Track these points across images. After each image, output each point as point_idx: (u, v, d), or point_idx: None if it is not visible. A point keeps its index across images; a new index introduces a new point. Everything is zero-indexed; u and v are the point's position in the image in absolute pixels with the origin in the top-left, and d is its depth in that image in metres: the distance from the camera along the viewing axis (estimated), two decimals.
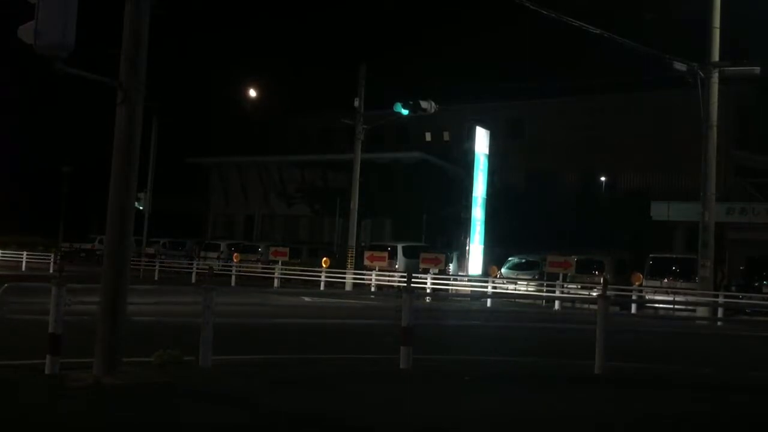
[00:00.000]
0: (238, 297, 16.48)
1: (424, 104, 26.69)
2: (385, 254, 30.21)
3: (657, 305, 23.23)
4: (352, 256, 30.01)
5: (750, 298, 22.83)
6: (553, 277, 25.99)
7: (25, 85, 46.71)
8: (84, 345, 8.31)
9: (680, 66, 22.01)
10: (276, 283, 28.83)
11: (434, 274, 27.10)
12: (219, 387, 8.16)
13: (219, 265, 32.08)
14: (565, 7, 19.85)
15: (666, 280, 25.52)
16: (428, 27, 57.93)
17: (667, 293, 24.00)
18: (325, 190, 45.16)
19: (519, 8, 17.96)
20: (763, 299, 22.78)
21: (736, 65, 22.59)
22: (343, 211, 33.59)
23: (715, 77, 22.03)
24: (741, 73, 22.70)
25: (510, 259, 30.47)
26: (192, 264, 33.29)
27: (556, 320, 19.62)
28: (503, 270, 28.84)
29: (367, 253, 30.25)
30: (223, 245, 41.01)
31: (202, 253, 39.52)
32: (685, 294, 23.22)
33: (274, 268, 29.84)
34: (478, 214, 29.24)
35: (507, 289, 26.20)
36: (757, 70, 22.11)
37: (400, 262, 30.95)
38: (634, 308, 21.60)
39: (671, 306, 22.93)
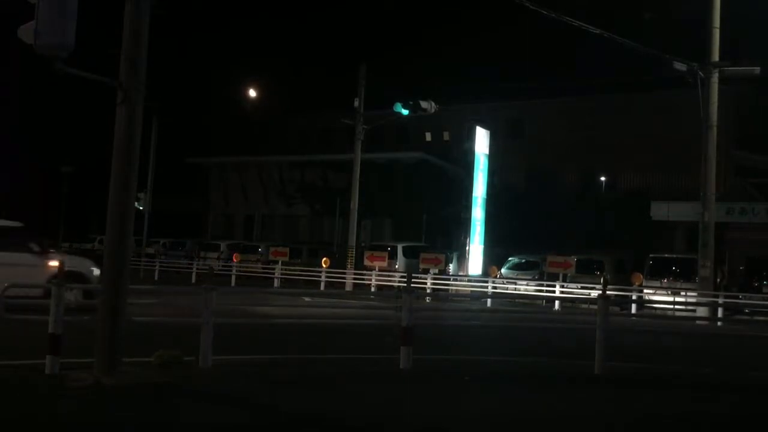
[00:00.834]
0: (238, 297, 16.48)
1: (424, 104, 26.69)
2: (385, 254, 30.20)
3: (657, 305, 23.24)
4: (352, 256, 30.01)
5: (750, 298, 22.82)
6: (553, 277, 26.00)
7: (25, 85, 46.69)
8: (84, 345, 8.31)
9: (680, 66, 22.01)
10: (276, 283, 28.84)
11: (434, 274, 27.10)
12: (219, 387, 8.16)
13: (219, 265, 32.09)
14: (565, 7, 19.86)
15: (666, 280, 25.53)
16: (428, 27, 57.94)
17: (667, 293, 24.01)
18: (325, 190, 45.17)
19: (519, 8, 17.99)
20: (763, 299, 22.79)
21: (736, 65, 22.60)
22: (343, 211, 33.58)
23: (715, 77, 22.03)
24: (741, 73, 22.71)
25: (510, 259, 30.48)
26: (192, 264, 33.29)
27: (556, 320, 19.62)
28: (503, 270, 28.85)
29: (367, 253, 30.25)
30: (223, 245, 41.01)
31: (202, 253, 39.53)
32: (685, 294, 23.23)
33: (274, 268, 29.84)
34: (478, 214, 29.25)
35: (507, 289, 26.21)
36: (757, 70, 22.11)
37: (400, 262, 30.95)
38: (634, 308, 21.61)
39: (671, 306, 22.94)
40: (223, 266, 32.02)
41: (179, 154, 51.56)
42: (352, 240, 30.59)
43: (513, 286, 26.54)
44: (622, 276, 25.80)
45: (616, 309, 19.71)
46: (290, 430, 6.79)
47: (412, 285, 10.05)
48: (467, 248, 28.96)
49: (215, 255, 38.79)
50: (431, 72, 48.34)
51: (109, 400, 7.40)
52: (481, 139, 30.00)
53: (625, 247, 31.09)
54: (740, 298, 22.57)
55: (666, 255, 27.17)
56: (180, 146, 50.46)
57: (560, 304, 23.00)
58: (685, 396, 8.96)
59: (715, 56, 21.95)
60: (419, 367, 9.40)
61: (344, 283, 28.16)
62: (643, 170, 40.90)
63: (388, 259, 30.12)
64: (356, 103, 30.04)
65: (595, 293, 19.63)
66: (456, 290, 27.06)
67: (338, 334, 12.41)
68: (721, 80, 22.31)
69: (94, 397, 7.46)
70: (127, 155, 8.42)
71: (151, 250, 38.38)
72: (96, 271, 15.24)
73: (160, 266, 32.37)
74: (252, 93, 39.22)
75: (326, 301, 19.99)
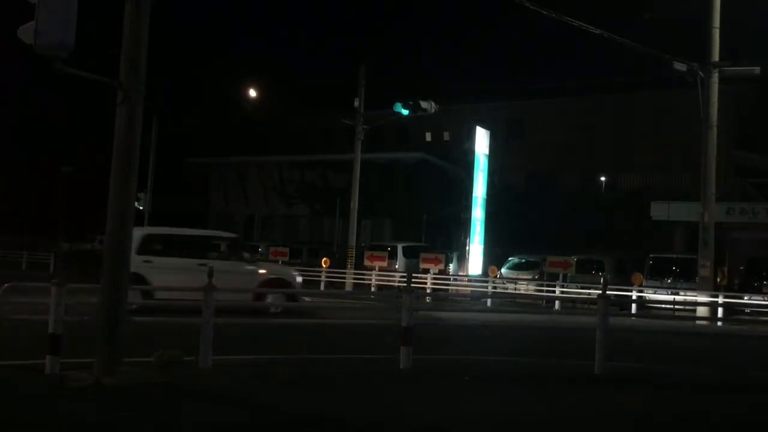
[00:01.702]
0: (239, 297, 16.45)
1: (424, 104, 26.68)
2: (385, 254, 30.19)
3: (657, 305, 23.23)
4: (352, 257, 30.00)
5: (750, 298, 22.81)
6: (553, 277, 25.99)
7: (26, 85, 46.68)
8: (84, 345, 8.31)
9: (680, 66, 22.00)
10: None
11: (434, 274, 27.09)
12: (219, 387, 8.16)
13: None
14: (565, 7, 19.86)
15: (666, 280, 25.52)
16: (428, 27, 57.97)
17: (667, 293, 24.00)
18: (325, 190, 45.15)
19: (519, 8, 17.98)
20: (763, 299, 22.78)
21: (736, 65, 22.59)
22: (343, 211, 33.57)
23: (715, 77, 22.02)
24: (741, 73, 22.70)
25: (510, 259, 30.48)
26: None
27: (556, 320, 19.61)
28: (503, 270, 28.85)
29: (367, 253, 30.24)
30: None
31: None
32: (685, 294, 23.22)
33: None
34: (478, 214, 29.24)
35: (507, 289, 26.21)
36: (757, 70, 22.10)
37: (400, 262, 30.94)
38: (634, 308, 21.60)
39: (671, 306, 22.93)
40: None
41: (179, 154, 51.57)
42: (352, 240, 30.59)
43: (513, 286, 26.53)
44: (622, 276, 25.79)
45: (616, 309, 19.70)
46: (290, 430, 6.79)
47: (412, 285, 10.06)
48: (467, 248, 28.95)
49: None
50: (431, 72, 48.40)
51: (109, 400, 7.40)
52: (481, 139, 29.99)
53: (625, 247, 31.09)
54: (746, 299, 22.51)
55: (666, 255, 27.16)
56: (180, 146, 50.47)
57: (560, 304, 23.00)
58: (685, 396, 8.96)
59: (715, 56, 21.94)
60: (419, 367, 9.40)
61: (344, 283, 28.15)
62: (643, 170, 40.88)
63: (388, 259, 30.10)
64: (356, 103, 30.02)
65: (595, 293, 19.63)
66: (456, 290, 27.05)
67: (338, 334, 12.42)
68: (721, 80, 22.30)
69: (94, 397, 7.46)
70: (127, 155, 8.42)
71: None
72: (298, 278, 17.20)
73: None
74: (252, 93, 39.24)
75: (326, 301, 19.96)
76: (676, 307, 22.89)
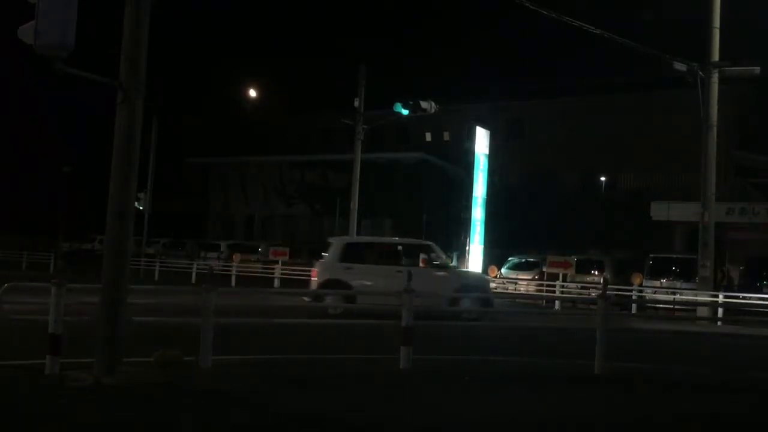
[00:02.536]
0: (238, 297, 16.47)
1: (424, 104, 26.67)
2: None
3: (657, 305, 23.23)
4: None
5: (750, 298, 22.81)
6: (553, 277, 25.99)
7: (26, 85, 46.69)
8: (84, 345, 8.31)
9: (680, 66, 22.00)
10: (276, 283, 28.81)
11: None
12: (219, 387, 8.15)
13: (219, 265, 32.07)
14: (565, 7, 19.86)
15: (666, 280, 25.52)
16: (428, 27, 57.95)
17: (667, 293, 24.00)
18: (325, 190, 45.17)
19: (519, 8, 17.97)
20: (763, 299, 22.77)
21: (736, 65, 22.59)
22: (343, 211, 33.57)
23: (715, 77, 22.02)
24: (741, 73, 22.70)
25: (510, 259, 30.50)
26: (192, 264, 33.28)
27: (556, 320, 19.61)
28: (503, 270, 28.87)
29: None
30: (223, 245, 41.01)
31: (202, 253, 39.52)
32: (685, 294, 23.23)
33: (274, 268, 29.81)
34: (478, 214, 29.24)
35: (507, 289, 26.21)
36: (757, 70, 22.10)
37: None
38: (634, 308, 21.61)
39: (671, 306, 22.93)
40: (223, 266, 32.00)
41: (179, 154, 51.59)
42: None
43: (513, 286, 26.54)
44: (622, 276, 25.81)
45: (617, 309, 19.70)
46: (290, 430, 6.79)
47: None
48: (467, 248, 28.94)
49: (215, 255, 38.78)
50: (431, 72, 48.39)
51: (109, 400, 7.40)
52: (481, 139, 29.99)
53: (625, 247, 31.11)
54: (759, 299, 22.49)
55: (666, 255, 27.17)
56: (180, 146, 50.49)
57: (560, 304, 23.00)
58: (685, 396, 8.96)
59: (715, 56, 21.94)
60: (419, 367, 9.40)
61: None
62: (643, 170, 40.92)
63: None
64: (356, 103, 30.01)
65: (594, 293, 19.64)
66: None
67: (338, 334, 12.41)
68: (721, 80, 22.30)
69: (94, 397, 7.46)
70: (127, 155, 8.42)
71: (151, 250, 38.37)
72: (492, 284, 17.12)
73: (160, 266, 32.35)
74: (252, 93, 39.24)
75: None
76: (676, 307, 22.90)
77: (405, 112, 27.31)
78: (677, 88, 24.89)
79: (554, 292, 25.21)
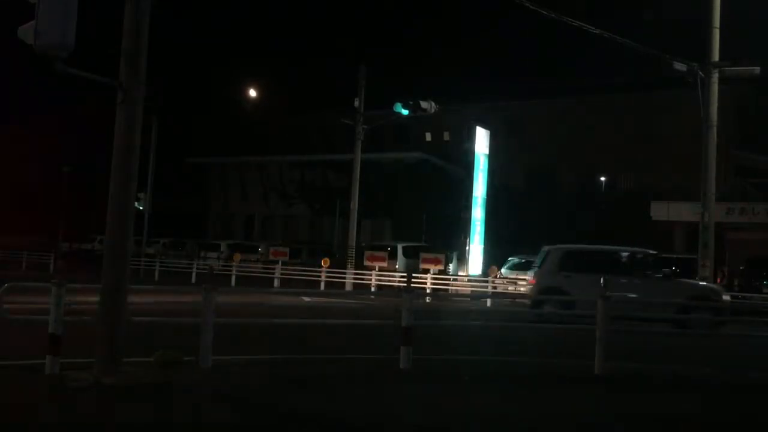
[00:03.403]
0: (238, 297, 16.48)
1: (424, 104, 26.69)
2: (385, 254, 30.19)
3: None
4: (351, 257, 30.01)
5: (750, 298, 22.82)
6: None
7: (25, 85, 46.72)
8: (84, 345, 8.31)
9: (680, 66, 21.98)
10: (276, 283, 28.82)
11: (434, 274, 27.09)
12: (219, 387, 8.16)
13: (219, 265, 32.07)
14: (565, 7, 19.86)
15: None
16: (428, 27, 57.98)
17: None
18: (325, 190, 45.20)
19: (519, 8, 17.97)
20: (763, 299, 22.79)
21: (736, 65, 22.57)
22: (343, 211, 33.59)
23: (715, 77, 22.00)
24: (741, 73, 22.67)
25: (510, 259, 30.48)
26: (192, 264, 33.29)
27: (556, 320, 19.57)
28: (503, 270, 28.85)
29: (367, 253, 30.23)
30: (223, 245, 41.02)
31: (202, 253, 39.53)
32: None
33: (274, 268, 29.82)
34: (478, 214, 29.26)
35: (507, 289, 26.19)
36: (757, 70, 22.08)
37: (400, 262, 30.95)
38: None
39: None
40: (223, 266, 32.01)
41: (179, 154, 51.59)
42: (352, 240, 30.59)
43: (513, 286, 26.52)
44: None
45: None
46: (290, 430, 6.79)
47: (412, 285, 10.05)
48: (467, 248, 28.96)
49: (215, 255, 38.79)
50: (431, 72, 48.41)
51: (109, 400, 7.40)
52: (481, 139, 30.01)
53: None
54: (740, 298, 22.55)
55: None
56: (180, 146, 50.48)
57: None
58: (685, 396, 8.96)
59: (715, 56, 21.92)
60: (419, 367, 9.40)
61: (344, 283, 28.15)
62: (643, 170, 40.91)
63: (388, 259, 30.11)
64: (356, 103, 30.03)
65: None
66: (456, 290, 27.04)
67: (338, 334, 12.41)
68: (721, 80, 22.28)
69: (94, 397, 7.46)
70: (127, 155, 8.42)
71: (151, 250, 38.37)
72: (725, 296, 17.61)
73: (160, 266, 32.36)
74: (252, 93, 39.27)
75: (326, 301, 19.97)
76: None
77: (405, 112, 27.33)
78: (677, 88, 24.87)
79: None
